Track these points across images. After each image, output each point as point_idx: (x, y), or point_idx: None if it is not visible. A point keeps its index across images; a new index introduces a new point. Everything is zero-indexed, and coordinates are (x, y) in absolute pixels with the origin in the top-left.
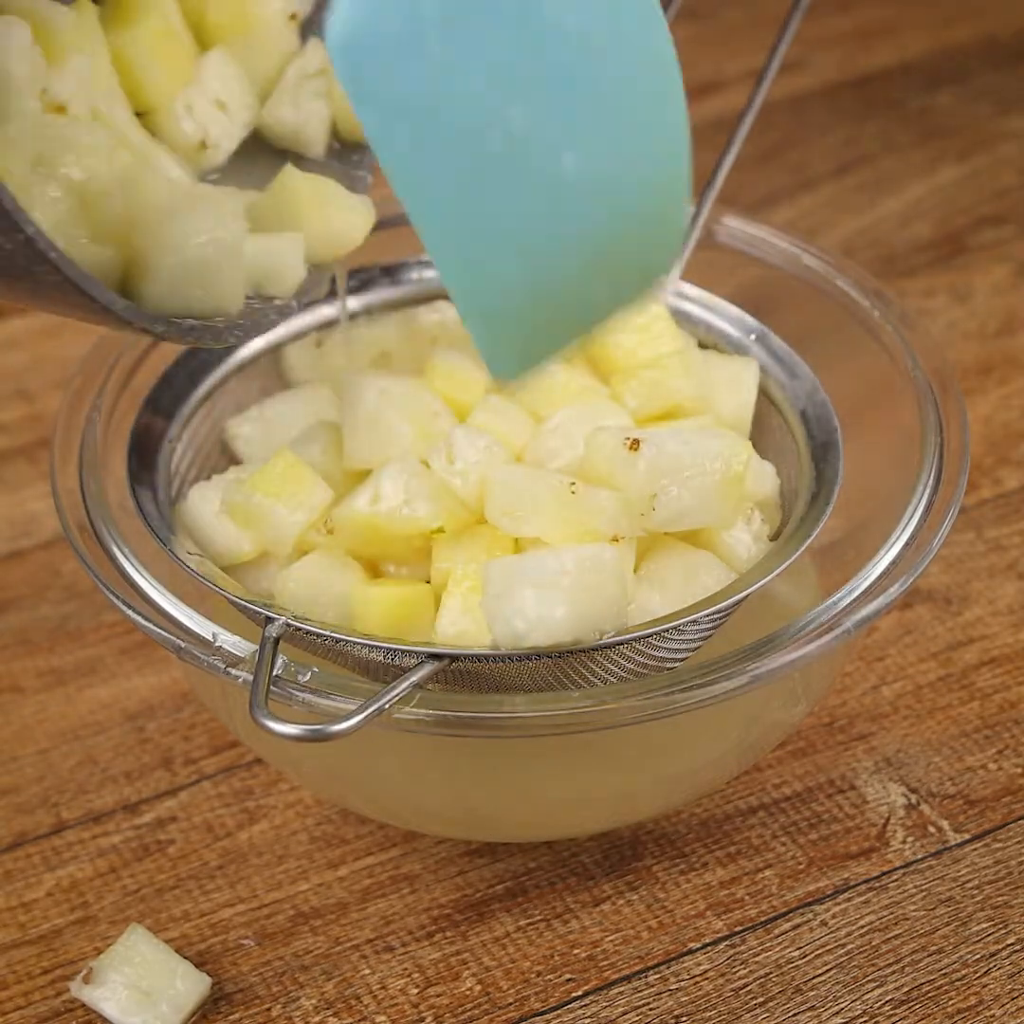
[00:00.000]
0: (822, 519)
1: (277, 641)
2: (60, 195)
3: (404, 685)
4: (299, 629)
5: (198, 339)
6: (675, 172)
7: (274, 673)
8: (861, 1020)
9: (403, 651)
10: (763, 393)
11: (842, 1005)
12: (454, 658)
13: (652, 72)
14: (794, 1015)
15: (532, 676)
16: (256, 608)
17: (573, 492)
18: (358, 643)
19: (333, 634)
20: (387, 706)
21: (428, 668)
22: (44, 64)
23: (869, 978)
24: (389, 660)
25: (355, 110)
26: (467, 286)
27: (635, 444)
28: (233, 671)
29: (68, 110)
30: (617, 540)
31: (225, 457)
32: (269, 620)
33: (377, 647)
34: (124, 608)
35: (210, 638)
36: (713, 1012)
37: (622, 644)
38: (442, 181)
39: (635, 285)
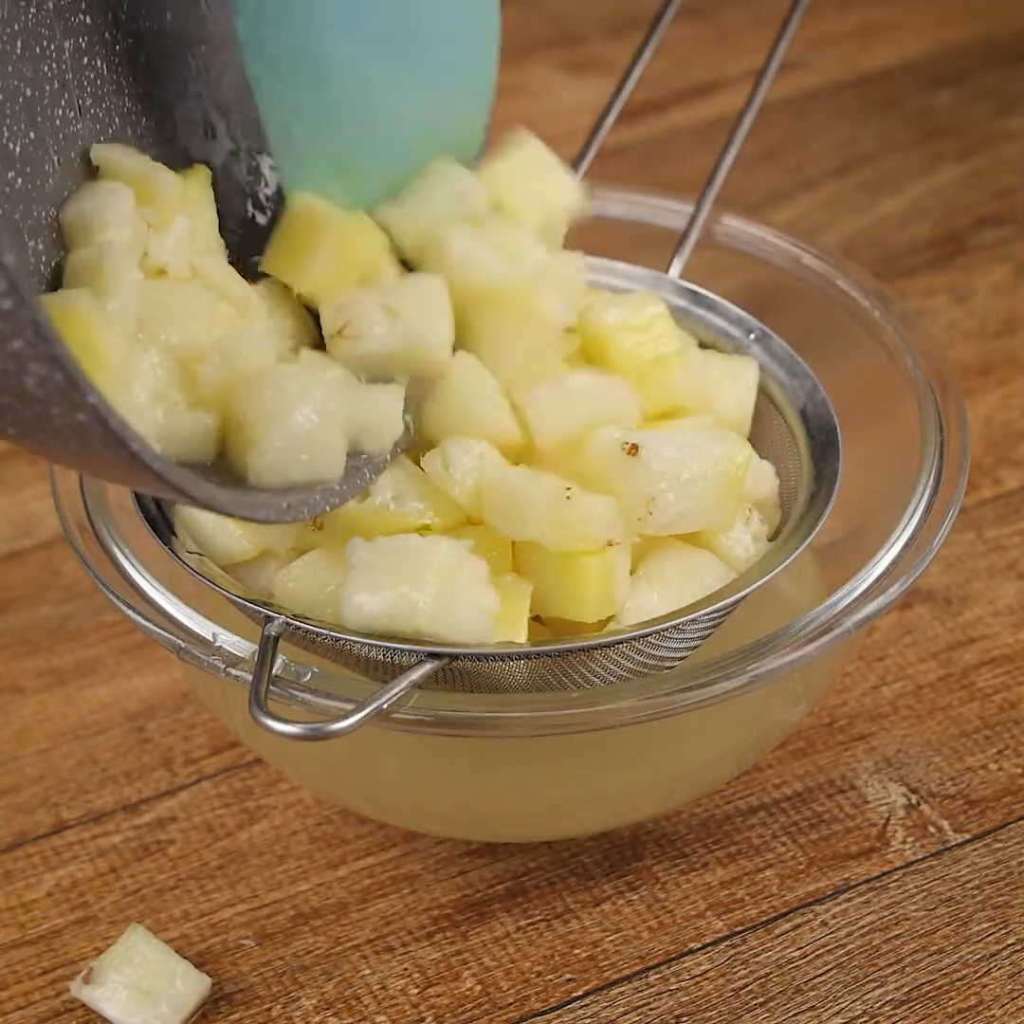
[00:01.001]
0: (821, 519)
1: (276, 640)
2: (159, 360)
3: (403, 684)
4: (298, 628)
5: (294, 517)
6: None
7: (274, 672)
8: (861, 1020)
9: (402, 650)
10: (763, 393)
11: (842, 1005)
12: (453, 657)
13: None
14: (794, 1015)
15: (531, 675)
16: (255, 607)
17: (568, 497)
18: (357, 641)
19: (332, 632)
20: (386, 705)
21: (427, 667)
22: (146, 230)
23: (869, 978)
24: (388, 658)
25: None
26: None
27: (633, 449)
28: (233, 671)
29: (167, 272)
30: (612, 544)
31: None
32: (268, 619)
33: (376, 645)
34: (124, 608)
35: (210, 638)
36: (713, 1012)
37: (622, 643)
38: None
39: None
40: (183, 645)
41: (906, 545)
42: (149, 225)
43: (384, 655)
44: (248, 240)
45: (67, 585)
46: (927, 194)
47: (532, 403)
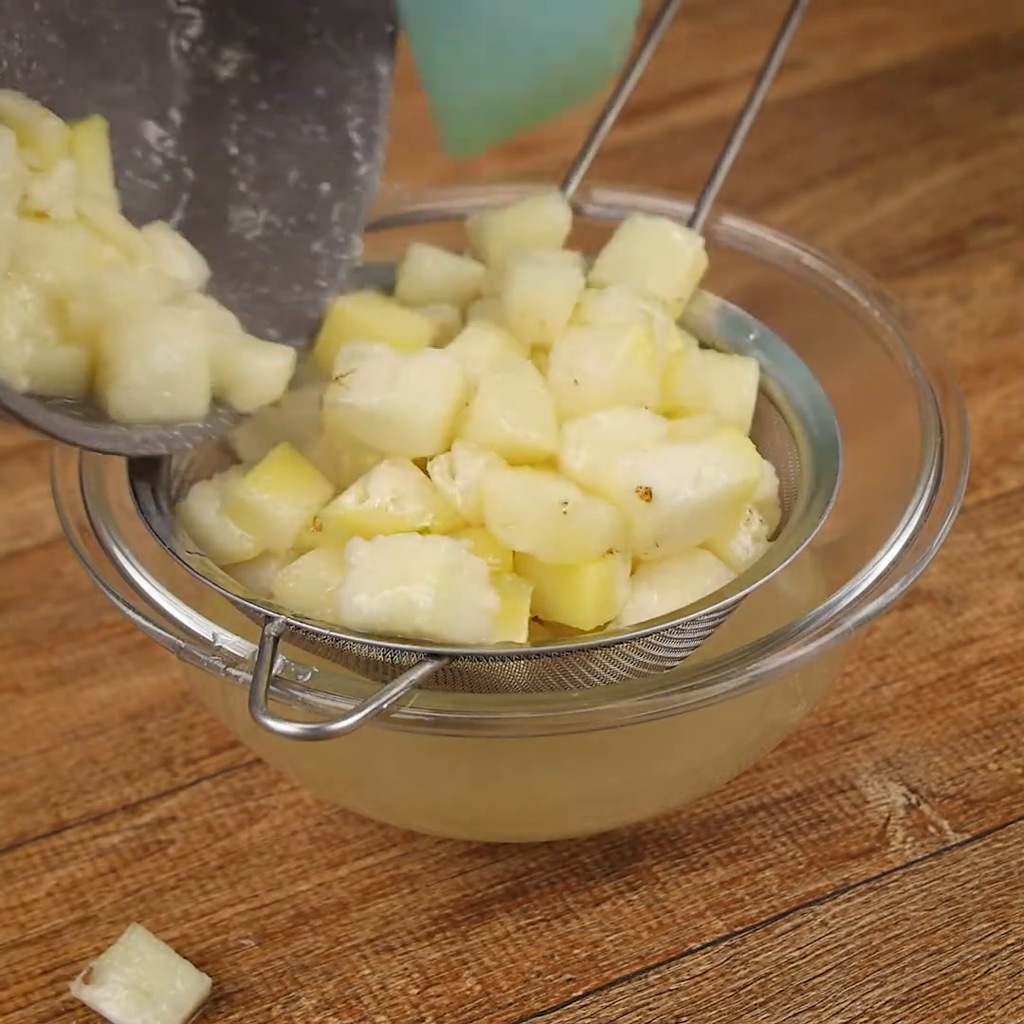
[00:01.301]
0: (821, 519)
1: (277, 640)
2: (31, 297)
3: (403, 684)
4: (298, 628)
5: (150, 451)
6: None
7: (274, 672)
8: (861, 1020)
9: (402, 650)
10: (763, 393)
11: (842, 1005)
12: (453, 657)
13: None
14: (794, 1015)
15: (531, 675)
16: (255, 607)
17: (565, 512)
18: (357, 641)
19: (332, 632)
20: (386, 705)
21: (427, 667)
22: (26, 172)
23: (869, 978)
24: (388, 659)
25: None
26: (440, 74)
27: (647, 494)
28: (233, 671)
29: (50, 215)
30: (612, 553)
31: (226, 457)
32: (268, 619)
33: (376, 645)
34: (124, 608)
35: (210, 638)
36: (713, 1012)
37: (622, 644)
38: None
39: (573, 93)
40: (183, 645)
41: (906, 545)
42: (30, 168)
43: (384, 655)
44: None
45: (67, 585)
46: (927, 194)
47: (566, 440)
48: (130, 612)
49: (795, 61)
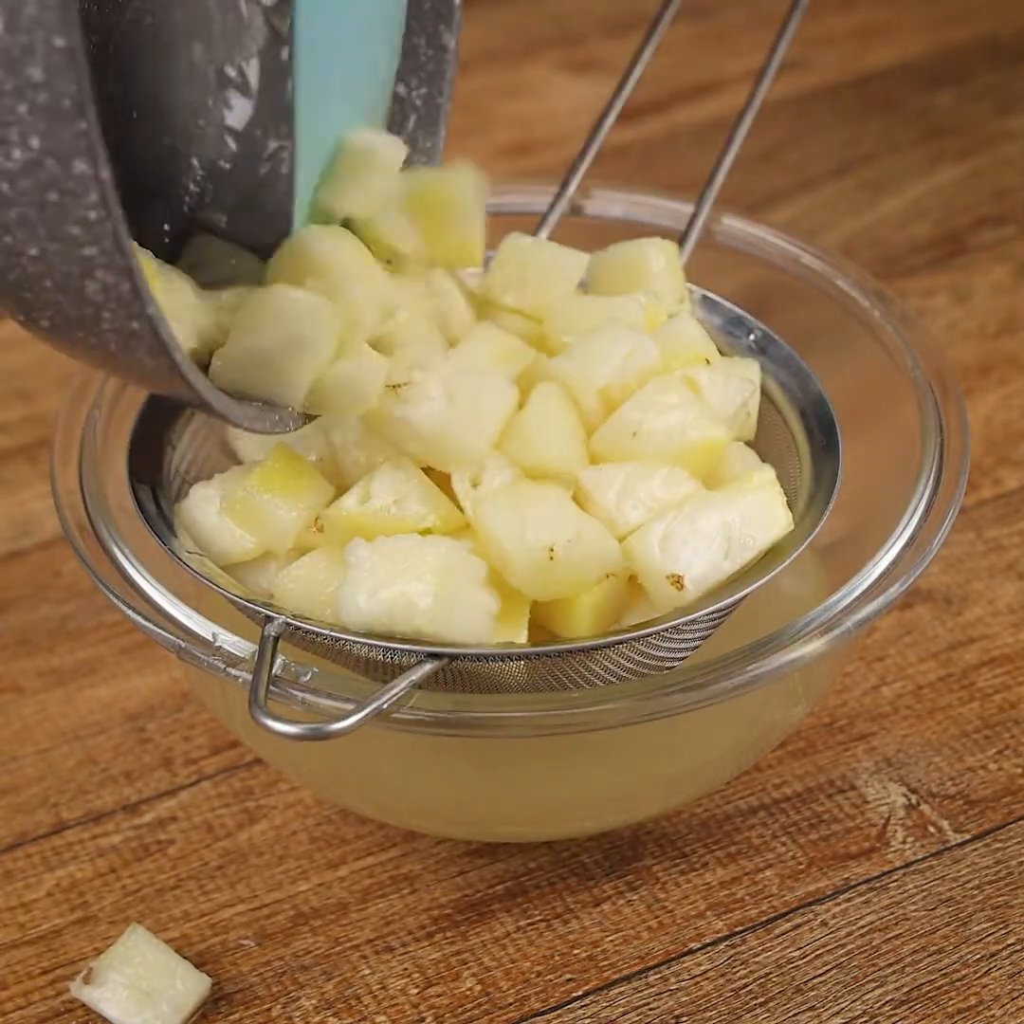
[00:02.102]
0: (822, 519)
1: (277, 640)
2: (185, 285)
3: (403, 684)
4: (298, 628)
5: (293, 427)
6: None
7: (274, 672)
8: (861, 1020)
9: (402, 650)
10: (763, 393)
11: (842, 1005)
12: (453, 657)
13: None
14: (794, 1015)
15: (531, 676)
16: (255, 607)
17: (552, 558)
18: (357, 641)
19: (332, 632)
20: (386, 705)
21: (427, 667)
22: None
23: (869, 978)
24: (388, 659)
25: None
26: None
27: (678, 582)
28: (233, 671)
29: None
30: (609, 576)
31: (227, 457)
32: (268, 619)
33: (376, 646)
34: (124, 608)
35: (210, 638)
36: (713, 1012)
37: (621, 644)
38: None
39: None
40: (183, 645)
41: (906, 545)
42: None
43: (384, 655)
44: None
45: (67, 585)
46: (927, 194)
47: (599, 481)
48: (130, 612)
49: (795, 61)
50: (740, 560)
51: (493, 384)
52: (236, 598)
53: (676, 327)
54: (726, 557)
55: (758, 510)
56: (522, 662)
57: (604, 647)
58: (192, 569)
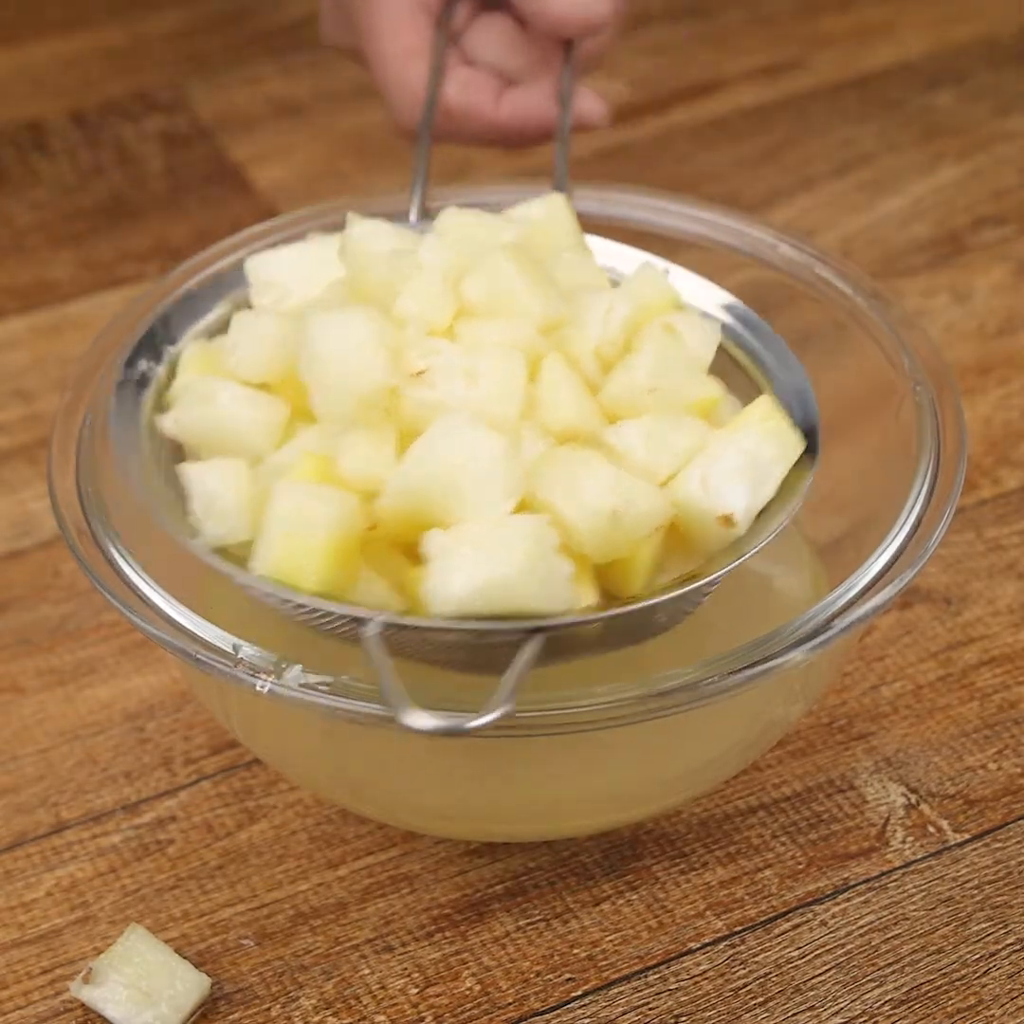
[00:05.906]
0: (804, 489)
1: (379, 640)
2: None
3: (519, 666)
4: (401, 626)
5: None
6: None
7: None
8: (861, 1020)
9: (506, 630)
10: (740, 367)
11: (842, 1005)
12: (557, 627)
13: None
14: (794, 1015)
15: (607, 634)
16: (350, 613)
17: (615, 520)
18: (461, 629)
19: (435, 625)
20: (513, 692)
21: (536, 641)
22: None
23: (869, 978)
24: (482, 643)
25: None
26: None
27: (728, 521)
28: (255, 678)
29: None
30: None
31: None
32: (364, 621)
33: (483, 630)
34: (123, 610)
35: (231, 650)
36: (713, 1012)
37: (708, 585)
38: None
39: None
40: (202, 658)
41: (904, 544)
42: None
43: (479, 639)
44: None
45: (67, 585)
46: (927, 194)
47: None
48: (133, 616)
49: (795, 61)
50: (773, 485)
51: (509, 362)
52: (329, 607)
53: (640, 278)
54: (762, 485)
55: (772, 435)
56: (612, 622)
57: (581, 623)
58: (261, 589)
